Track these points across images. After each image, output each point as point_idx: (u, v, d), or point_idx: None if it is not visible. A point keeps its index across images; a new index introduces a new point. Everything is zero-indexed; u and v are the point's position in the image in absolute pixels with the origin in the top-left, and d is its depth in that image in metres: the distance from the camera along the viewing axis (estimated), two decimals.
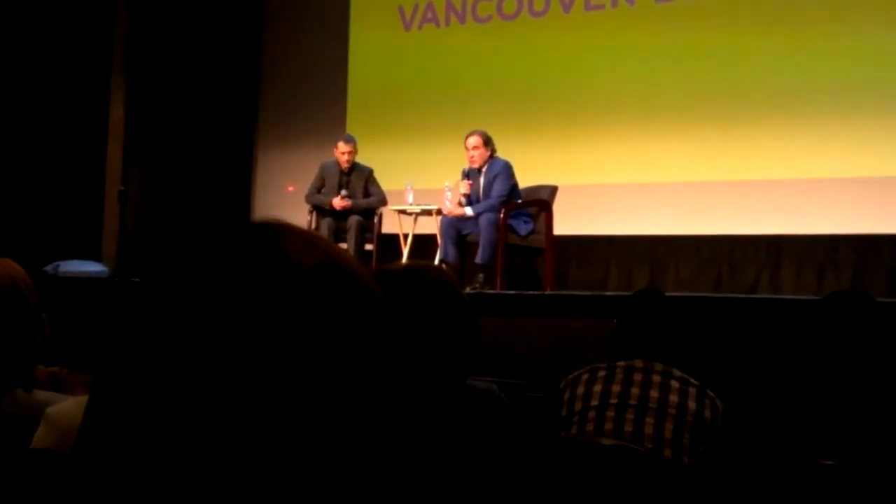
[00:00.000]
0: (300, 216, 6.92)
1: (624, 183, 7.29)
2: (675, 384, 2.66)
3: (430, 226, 6.63)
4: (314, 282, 0.60)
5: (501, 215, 6.07)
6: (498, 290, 5.81)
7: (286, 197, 8.26)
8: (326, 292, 0.60)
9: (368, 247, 6.83)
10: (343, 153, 6.93)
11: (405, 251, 6.70)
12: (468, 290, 5.36)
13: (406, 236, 6.80)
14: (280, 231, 0.62)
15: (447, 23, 8.22)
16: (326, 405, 0.58)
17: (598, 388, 2.69)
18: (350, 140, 6.99)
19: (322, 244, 0.63)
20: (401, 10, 8.41)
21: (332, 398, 0.58)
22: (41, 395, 1.71)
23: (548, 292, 6.01)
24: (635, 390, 2.64)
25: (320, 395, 0.58)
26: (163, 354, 0.57)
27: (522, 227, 6.23)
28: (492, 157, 6.31)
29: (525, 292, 5.71)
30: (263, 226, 0.63)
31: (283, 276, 0.59)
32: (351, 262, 0.63)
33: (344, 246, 6.59)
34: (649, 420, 2.59)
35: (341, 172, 6.96)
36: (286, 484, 0.56)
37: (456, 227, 6.23)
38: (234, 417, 0.56)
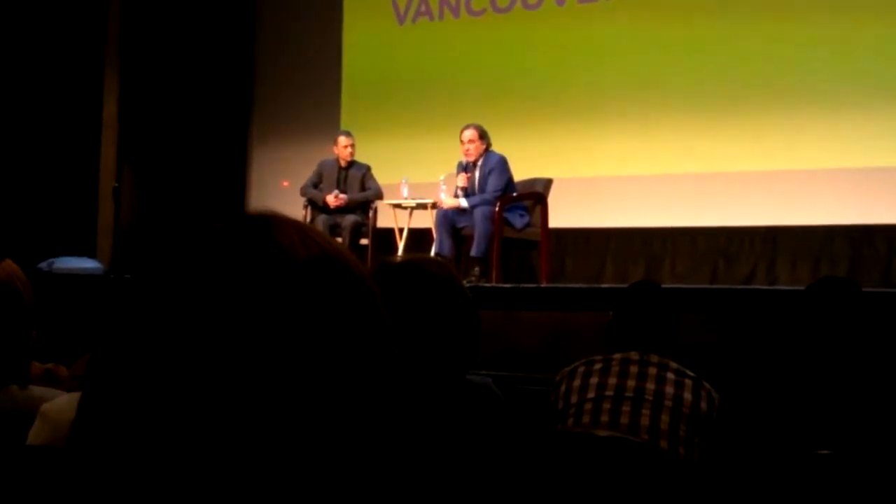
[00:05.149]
0: (295, 211, 6.91)
1: (619, 175, 7.28)
2: (671, 376, 2.66)
3: (426, 220, 6.63)
4: (307, 273, 0.59)
5: (496, 208, 6.07)
6: (494, 284, 5.82)
7: (281, 192, 8.25)
8: (320, 284, 0.60)
9: (364, 241, 6.84)
10: (345, 146, 6.97)
11: (401, 245, 6.70)
12: (464, 283, 5.35)
13: (402, 230, 6.80)
14: (274, 222, 0.62)
15: (441, 16, 8.21)
16: (321, 398, 0.57)
17: (594, 380, 2.69)
18: (350, 134, 7.05)
19: (316, 236, 0.62)
20: (394, 3, 8.39)
21: (327, 391, 0.58)
22: (36, 391, 1.70)
23: (544, 285, 6.01)
24: (631, 382, 2.65)
25: (314, 388, 0.57)
26: (155, 348, 0.57)
27: (518, 221, 6.23)
28: (487, 150, 6.31)
29: (521, 285, 5.71)
30: (258, 217, 0.62)
31: (276, 268, 0.59)
32: (346, 255, 0.63)
33: (339, 240, 6.60)
34: (645, 412, 2.59)
35: (340, 170, 6.99)
36: (280, 478, 0.56)
37: (451, 221, 6.23)
38: (228, 411, 0.55)
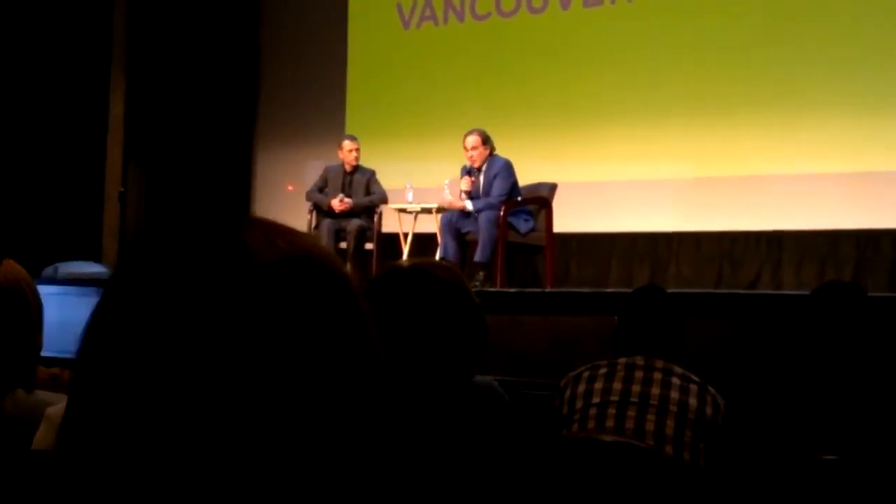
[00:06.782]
0: (300, 215, 6.93)
1: (624, 180, 7.28)
2: (676, 381, 2.66)
3: (430, 224, 6.63)
4: (272, 274, 0.58)
5: (501, 213, 6.06)
6: (498, 288, 5.81)
7: (286, 196, 8.26)
8: (286, 284, 0.58)
9: (369, 246, 6.84)
10: (350, 150, 6.99)
11: (405, 250, 6.70)
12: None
13: (406, 235, 6.80)
14: (243, 224, 0.61)
15: (446, 21, 8.22)
16: (291, 401, 0.57)
17: (599, 385, 2.69)
18: (355, 139, 7.07)
19: (287, 235, 0.61)
20: (399, 8, 8.40)
21: (296, 394, 0.57)
22: (42, 395, 1.70)
23: (548, 290, 6.00)
24: (636, 387, 2.64)
25: (281, 390, 0.56)
26: (125, 352, 0.57)
27: (522, 225, 6.23)
28: (491, 155, 6.31)
29: (526, 290, 5.70)
30: (227, 219, 0.62)
31: (238, 270, 0.58)
32: (319, 253, 0.62)
33: (343, 246, 6.64)
34: (650, 417, 2.59)
35: (345, 174, 7.00)
36: (267, 478, 0.56)
37: (456, 226, 6.23)
38: (204, 415, 0.55)
